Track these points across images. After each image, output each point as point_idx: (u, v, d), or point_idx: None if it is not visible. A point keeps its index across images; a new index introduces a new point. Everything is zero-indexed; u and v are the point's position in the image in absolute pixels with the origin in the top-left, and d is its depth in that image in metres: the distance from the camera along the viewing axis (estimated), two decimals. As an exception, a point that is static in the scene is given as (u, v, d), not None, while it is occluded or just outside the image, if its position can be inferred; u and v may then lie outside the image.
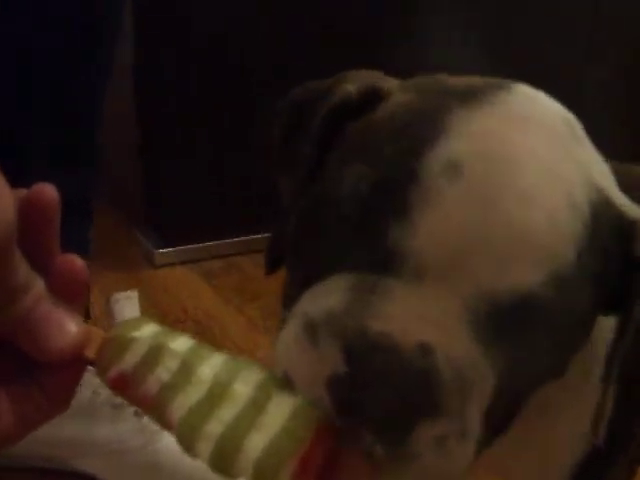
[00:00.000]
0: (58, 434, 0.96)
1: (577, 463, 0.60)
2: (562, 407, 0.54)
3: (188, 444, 0.41)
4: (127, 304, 1.01)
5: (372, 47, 1.81)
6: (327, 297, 0.43)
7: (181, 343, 0.43)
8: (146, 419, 1.00)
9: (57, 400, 0.42)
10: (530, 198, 0.42)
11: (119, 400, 1.00)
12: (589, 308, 0.46)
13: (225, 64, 1.74)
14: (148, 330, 0.44)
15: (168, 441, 0.98)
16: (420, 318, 0.41)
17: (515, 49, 2.02)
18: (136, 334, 0.43)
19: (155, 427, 1.00)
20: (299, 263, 0.49)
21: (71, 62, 0.92)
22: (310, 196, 0.48)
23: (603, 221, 0.46)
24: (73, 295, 0.41)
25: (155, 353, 0.42)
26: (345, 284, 0.43)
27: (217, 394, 0.41)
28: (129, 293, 1.02)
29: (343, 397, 0.41)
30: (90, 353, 0.42)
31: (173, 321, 1.57)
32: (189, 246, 1.86)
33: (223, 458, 0.40)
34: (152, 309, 1.60)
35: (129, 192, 1.96)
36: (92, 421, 0.98)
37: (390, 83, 0.52)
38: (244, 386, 0.42)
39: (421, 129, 0.44)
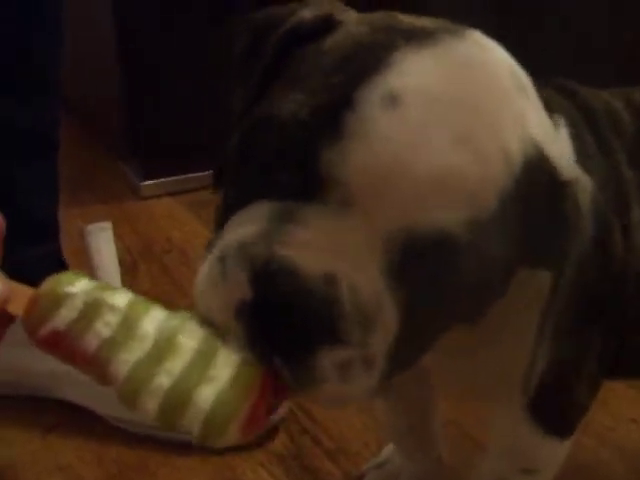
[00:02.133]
0: (40, 366, 0.97)
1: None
2: (507, 344, 0.55)
3: (133, 399, 0.40)
4: (101, 235, 1.01)
5: None
6: (244, 226, 0.44)
7: (119, 298, 0.42)
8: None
9: None
10: (463, 142, 0.42)
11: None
12: (507, 260, 0.46)
13: None
14: (82, 285, 0.42)
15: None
16: (332, 247, 0.41)
17: None
18: (70, 289, 0.42)
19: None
20: (232, 187, 0.49)
21: None
22: (250, 119, 0.48)
23: (535, 177, 0.45)
24: None
25: (93, 308, 0.41)
26: (266, 212, 0.43)
27: (163, 348, 0.41)
28: (103, 224, 1.02)
29: (251, 323, 0.42)
30: (15, 309, 0.41)
31: (159, 251, 1.57)
32: (174, 177, 1.85)
33: (172, 411, 0.40)
34: (137, 240, 1.60)
35: (113, 125, 1.94)
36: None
37: (348, 15, 0.51)
38: (190, 339, 0.42)
39: (365, 62, 0.44)
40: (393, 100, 0.42)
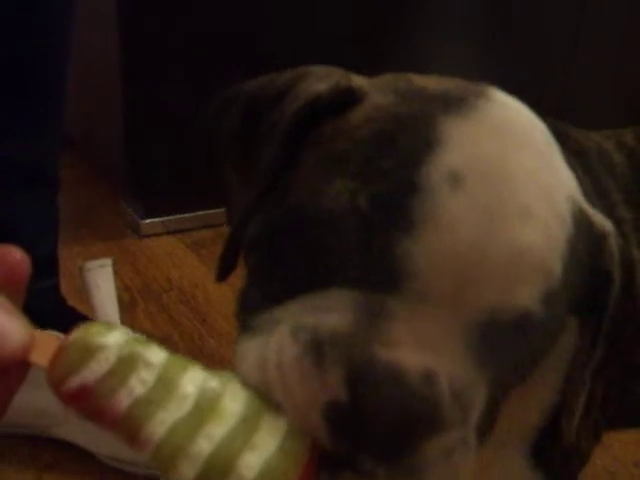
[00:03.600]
0: (35, 404, 0.96)
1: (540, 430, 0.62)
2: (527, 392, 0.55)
3: (169, 464, 0.38)
4: (100, 273, 1.01)
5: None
6: (330, 314, 0.42)
7: (155, 353, 0.39)
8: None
9: None
10: (528, 214, 0.41)
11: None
12: (565, 318, 0.46)
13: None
14: (115, 337, 0.39)
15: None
16: (424, 342, 0.40)
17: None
18: (102, 341, 0.38)
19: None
20: (270, 272, 0.47)
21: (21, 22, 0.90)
22: (284, 206, 0.46)
23: (580, 234, 0.45)
24: (13, 290, 0.38)
25: (126, 363, 0.38)
26: (349, 303, 0.41)
27: (204, 410, 0.38)
28: (102, 261, 1.01)
29: (341, 424, 0.40)
30: (38, 359, 0.38)
31: (158, 290, 1.57)
32: (175, 216, 1.85)
33: (211, 478, 0.38)
34: (137, 278, 1.60)
35: (113, 162, 1.95)
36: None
37: (360, 81, 0.49)
38: (233, 402, 0.39)
39: (411, 139, 0.42)
40: (457, 180, 0.41)
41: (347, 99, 0.47)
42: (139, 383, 0.38)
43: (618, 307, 0.48)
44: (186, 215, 1.86)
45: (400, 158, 0.42)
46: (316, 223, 0.43)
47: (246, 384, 0.41)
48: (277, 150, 0.47)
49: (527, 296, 0.41)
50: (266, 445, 0.38)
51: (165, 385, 0.38)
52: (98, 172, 2.09)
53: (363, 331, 0.40)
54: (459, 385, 0.41)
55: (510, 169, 0.42)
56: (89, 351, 0.38)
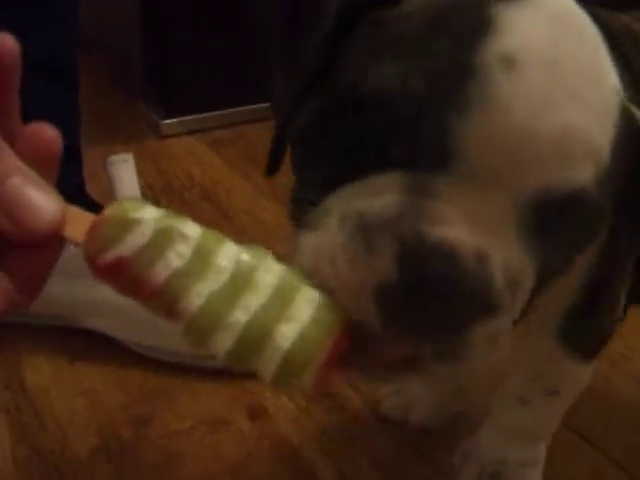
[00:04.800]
0: (64, 296, 0.99)
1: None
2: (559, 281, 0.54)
3: (205, 334, 0.38)
4: (124, 167, 1.01)
5: None
6: (376, 197, 0.42)
7: (191, 228, 0.39)
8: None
9: (28, 287, 0.38)
10: (579, 98, 0.41)
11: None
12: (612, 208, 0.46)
13: None
14: (150, 212, 0.39)
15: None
16: (474, 222, 0.40)
17: None
18: (138, 215, 0.38)
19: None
20: (321, 160, 0.46)
21: None
22: (332, 91, 0.45)
23: (624, 124, 0.45)
24: (45, 168, 0.38)
25: (163, 237, 0.38)
26: (396, 185, 0.41)
27: (240, 282, 0.39)
28: (124, 156, 1.02)
29: (391, 305, 0.40)
30: (72, 234, 0.38)
31: (180, 187, 1.58)
32: (194, 116, 1.85)
33: (247, 348, 0.38)
34: (158, 177, 1.61)
35: (132, 65, 1.94)
36: (98, 281, 1.01)
37: None
38: (268, 275, 0.39)
39: (466, 22, 0.42)
40: (511, 63, 0.40)
41: None
42: (176, 256, 0.38)
43: None
44: (205, 115, 1.86)
45: (454, 41, 0.41)
46: (366, 104, 0.42)
47: (304, 277, 0.41)
48: (323, 42, 0.47)
49: (579, 175, 0.41)
50: (300, 316, 0.39)
51: (201, 258, 0.38)
52: (117, 76, 2.09)
53: (411, 212, 0.40)
54: (510, 266, 0.41)
55: (563, 56, 0.42)
56: (125, 225, 0.38)
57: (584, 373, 0.71)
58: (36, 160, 0.37)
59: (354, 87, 0.43)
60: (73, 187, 1.05)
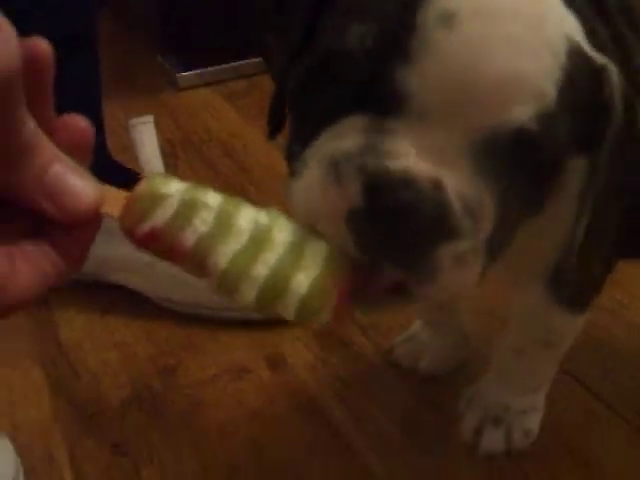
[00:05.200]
0: (96, 252, 1.03)
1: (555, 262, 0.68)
2: (543, 230, 0.60)
3: (233, 287, 0.44)
4: (144, 129, 1.06)
5: None
6: (343, 139, 0.48)
7: (212, 197, 0.44)
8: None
9: (73, 258, 0.43)
10: (518, 46, 0.46)
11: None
12: (570, 148, 0.51)
13: None
14: (175, 186, 0.44)
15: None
16: (428, 155, 0.46)
17: None
18: (165, 190, 0.43)
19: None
20: (306, 116, 0.53)
21: None
22: (313, 55, 0.51)
23: (577, 67, 0.49)
24: (80, 156, 0.42)
25: (189, 207, 0.43)
26: (358, 125, 0.48)
27: (258, 241, 0.44)
28: (145, 118, 1.07)
29: (361, 230, 0.46)
30: (109, 210, 0.43)
31: (198, 142, 1.62)
32: (211, 68, 1.88)
33: (269, 296, 0.44)
34: (177, 131, 1.66)
35: (149, 17, 1.97)
36: (124, 238, 1.06)
37: None
38: (281, 233, 0.45)
39: None
40: (449, 18, 0.46)
41: None
42: (201, 222, 0.43)
43: (620, 140, 0.52)
44: (221, 67, 1.89)
45: (401, 3, 0.47)
46: (335, 61, 0.49)
47: (295, 219, 0.47)
48: (305, 12, 0.53)
49: (520, 113, 0.46)
50: (312, 266, 0.45)
51: (223, 222, 0.44)
52: (134, 28, 2.11)
53: (373, 147, 0.46)
54: (466, 195, 0.46)
55: (500, 7, 0.47)
56: (155, 199, 0.43)
57: (575, 324, 0.75)
58: (71, 148, 0.42)
59: (327, 48, 0.50)
60: (97, 148, 1.10)
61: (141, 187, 0.43)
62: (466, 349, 0.96)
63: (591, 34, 0.58)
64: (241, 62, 1.90)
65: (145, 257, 1.03)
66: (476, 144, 0.46)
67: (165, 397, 0.96)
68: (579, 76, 0.50)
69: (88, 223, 0.42)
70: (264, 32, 0.63)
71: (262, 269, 0.44)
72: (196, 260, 0.43)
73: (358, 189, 0.45)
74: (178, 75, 1.87)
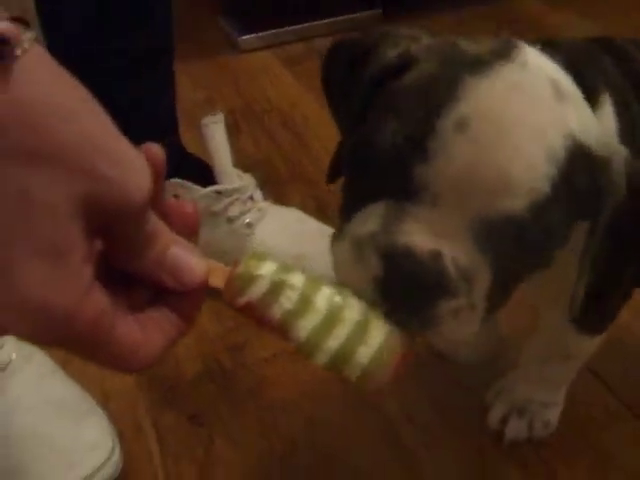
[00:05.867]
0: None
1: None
2: (558, 277, 0.70)
3: (308, 355, 0.54)
4: (215, 128, 1.17)
5: None
6: (367, 221, 0.60)
7: (296, 278, 0.54)
8: (236, 224, 1.20)
9: (189, 318, 0.50)
10: (517, 149, 0.56)
11: (215, 208, 1.20)
12: (564, 226, 0.61)
13: None
14: (267, 267, 0.53)
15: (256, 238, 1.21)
16: (433, 233, 0.57)
17: None
18: (259, 272, 0.53)
19: (244, 231, 1.20)
20: (350, 189, 0.65)
21: None
22: (358, 137, 0.62)
23: (577, 163, 0.59)
24: (189, 234, 0.50)
25: (277, 287, 0.52)
26: (380, 211, 0.59)
27: (332, 319, 0.54)
28: (216, 117, 1.17)
29: (382, 291, 0.57)
30: (214, 283, 0.52)
31: (259, 111, 1.72)
32: (271, 31, 1.96)
33: (338, 364, 0.53)
34: (238, 99, 1.75)
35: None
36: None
37: (419, 47, 0.64)
38: (351, 311, 0.55)
39: (439, 95, 0.58)
40: (462, 125, 0.56)
41: (407, 63, 0.63)
42: (287, 300, 0.53)
43: (621, 209, 0.62)
44: (282, 30, 1.96)
45: (428, 110, 0.58)
46: (372, 154, 0.60)
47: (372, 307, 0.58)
48: (360, 100, 0.64)
49: (512, 204, 0.56)
50: (374, 342, 0.55)
51: (305, 301, 0.54)
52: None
53: (387, 229, 0.58)
54: (462, 263, 0.57)
55: (508, 117, 0.57)
56: (251, 279, 0.53)
57: (593, 342, 0.86)
58: (181, 229, 0.50)
59: (367, 140, 0.61)
60: (171, 144, 1.22)
61: (239, 268, 0.53)
62: (499, 343, 1.08)
63: (622, 113, 0.67)
64: (301, 25, 1.97)
65: (212, 246, 1.14)
66: (475, 225, 0.56)
67: (234, 373, 1.09)
68: (577, 171, 0.59)
69: (198, 290, 0.51)
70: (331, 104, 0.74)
71: (333, 343, 0.54)
72: (281, 331, 0.54)
73: (376, 262, 0.57)
74: (239, 38, 1.94)
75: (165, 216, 0.49)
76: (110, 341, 0.44)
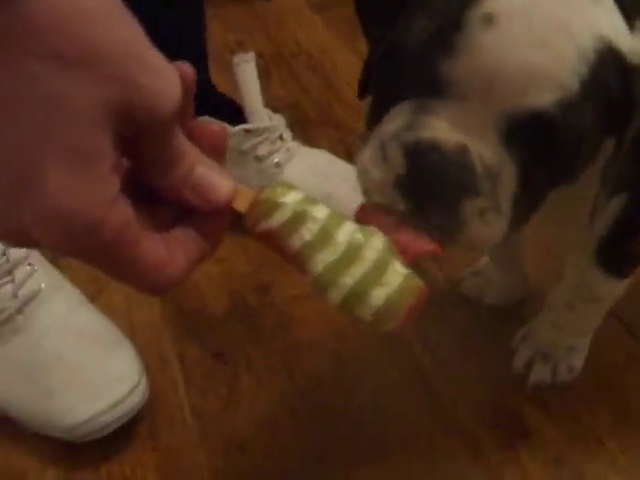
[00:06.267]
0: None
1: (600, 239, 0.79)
2: (581, 199, 0.69)
3: (323, 290, 0.52)
4: (246, 67, 1.17)
5: None
6: (393, 121, 0.59)
7: (320, 211, 0.52)
8: (265, 164, 1.20)
9: (214, 240, 0.50)
10: (544, 45, 0.55)
11: (244, 146, 1.20)
12: (594, 132, 0.60)
13: None
14: (292, 197, 0.51)
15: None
16: (459, 127, 0.56)
17: None
18: (283, 199, 0.51)
19: (272, 170, 1.20)
20: (379, 94, 0.64)
21: None
22: (389, 40, 0.62)
23: (609, 66, 0.58)
24: (217, 156, 0.49)
25: (299, 217, 0.50)
26: (406, 109, 0.59)
27: (350, 256, 0.51)
28: (247, 56, 1.17)
29: (406, 192, 0.57)
30: (239, 206, 0.51)
31: (288, 55, 1.71)
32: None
33: (351, 303, 0.51)
34: (268, 44, 1.74)
35: None
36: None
37: None
38: (371, 250, 0.52)
39: None
40: (489, 19, 0.55)
41: None
42: (307, 231, 0.51)
43: None
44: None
45: (456, 5, 0.57)
46: (399, 53, 0.59)
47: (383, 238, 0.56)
48: (391, 6, 0.64)
49: (539, 100, 0.55)
50: (390, 283, 0.53)
51: (325, 234, 0.52)
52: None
53: (412, 125, 0.57)
54: (488, 160, 0.56)
55: (537, 13, 0.56)
56: (274, 206, 0.51)
57: (620, 286, 0.86)
58: (209, 148, 0.49)
59: (395, 40, 0.60)
60: (203, 82, 1.21)
61: (265, 193, 0.52)
62: (526, 287, 1.08)
63: None
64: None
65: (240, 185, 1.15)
66: (502, 122, 0.56)
67: (261, 311, 1.10)
68: (609, 74, 0.58)
69: (223, 212, 0.49)
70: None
71: (349, 280, 0.52)
72: (299, 261, 0.52)
73: (400, 160, 0.57)
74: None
75: (192, 137, 0.48)
76: (135, 255, 0.43)
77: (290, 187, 0.53)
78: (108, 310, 1.02)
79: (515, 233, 0.63)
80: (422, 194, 0.57)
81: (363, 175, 0.60)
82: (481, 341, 1.04)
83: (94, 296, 1.06)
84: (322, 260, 0.52)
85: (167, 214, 0.49)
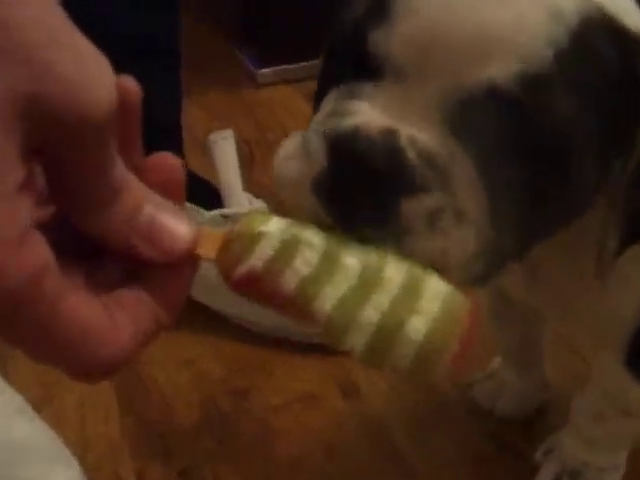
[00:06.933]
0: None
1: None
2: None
3: (340, 335, 0.39)
4: (224, 144, 1.06)
5: None
6: (322, 110, 0.48)
7: (316, 235, 0.41)
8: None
9: (172, 305, 0.39)
10: (500, 3, 0.44)
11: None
12: (586, 121, 0.47)
13: None
14: (274, 224, 0.41)
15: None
16: (392, 113, 0.44)
17: None
18: (264, 228, 0.40)
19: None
20: (321, 84, 0.54)
21: None
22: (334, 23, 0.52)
23: (598, 34, 0.46)
24: (173, 195, 0.40)
25: (289, 247, 0.40)
26: (335, 95, 0.48)
27: (369, 282, 0.40)
28: (225, 133, 1.06)
29: (326, 193, 0.44)
30: (205, 253, 0.40)
31: (273, 142, 1.61)
32: (290, 65, 1.87)
33: (381, 345, 0.39)
34: (255, 131, 1.65)
35: (229, 12, 1.97)
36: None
37: None
38: (394, 272, 0.41)
39: None
40: None
41: None
42: (304, 263, 0.39)
43: None
44: (302, 64, 1.88)
45: None
46: (336, 38, 0.51)
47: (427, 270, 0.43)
48: None
49: (493, 71, 0.43)
50: (430, 309, 0.39)
51: (329, 262, 0.40)
52: (214, 23, 2.11)
53: (337, 112, 0.45)
54: (427, 146, 0.43)
55: None
56: (253, 239, 0.40)
57: None
58: (162, 188, 0.40)
59: (337, 18, 0.51)
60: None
61: (237, 227, 0.41)
62: (546, 394, 0.94)
63: None
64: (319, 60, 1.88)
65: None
66: (448, 102, 0.44)
67: (236, 421, 0.96)
68: (599, 42, 0.47)
69: (184, 265, 0.39)
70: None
71: (373, 314, 0.39)
72: (299, 305, 0.39)
73: (320, 154, 0.44)
74: (257, 71, 1.86)
75: (141, 173, 0.39)
76: (58, 316, 0.33)
77: (269, 215, 0.41)
78: (58, 420, 0.91)
79: (512, 257, 0.49)
80: (348, 196, 0.43)
81: (278, 179, 0.47)
82: (493, 457, 0.90)
83: (43, 402, 0.95)
84: (331, 295, 0.39)
85: (110, 271, 0.39)
